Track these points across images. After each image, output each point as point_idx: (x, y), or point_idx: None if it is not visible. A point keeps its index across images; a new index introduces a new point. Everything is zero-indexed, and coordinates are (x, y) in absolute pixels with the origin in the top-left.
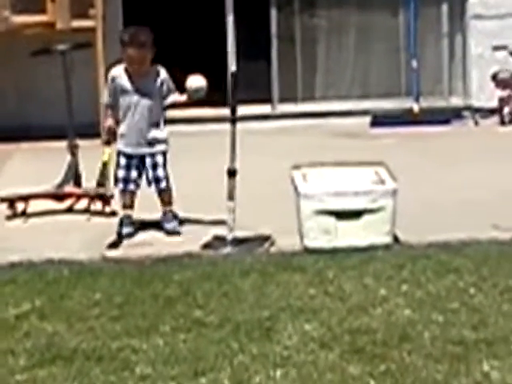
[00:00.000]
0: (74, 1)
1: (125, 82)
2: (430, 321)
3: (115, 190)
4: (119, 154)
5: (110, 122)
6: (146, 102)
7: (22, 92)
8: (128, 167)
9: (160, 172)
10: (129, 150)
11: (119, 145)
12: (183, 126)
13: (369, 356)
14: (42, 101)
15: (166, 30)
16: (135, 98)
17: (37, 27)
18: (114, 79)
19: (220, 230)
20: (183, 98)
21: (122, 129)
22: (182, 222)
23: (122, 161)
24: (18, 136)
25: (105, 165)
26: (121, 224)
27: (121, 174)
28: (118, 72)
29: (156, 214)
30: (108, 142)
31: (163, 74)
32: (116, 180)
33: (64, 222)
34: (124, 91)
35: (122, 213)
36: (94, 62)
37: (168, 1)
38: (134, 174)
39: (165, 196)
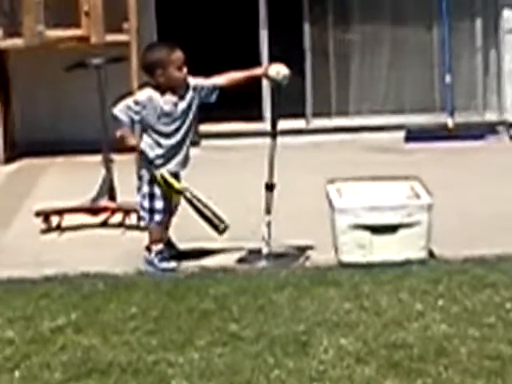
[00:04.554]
0: (108, 15)
1: None
2: (467, 336)
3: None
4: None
5: None
6: None
7: (57, 106)
8: None
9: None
10: None
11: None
12: (217, 140)
13: (405, 371)
14: (77, 115)
15: (200, 46)
16: None
17: (71, 41)
18: None
19: (256, 244)
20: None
21: None
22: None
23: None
24: (52, 150)
25: None
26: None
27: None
28: None
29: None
30: None
31: None
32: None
33: (99, 236)
34: None
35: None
36: (128, 75)
37: (202, 15)
38: None
39: None
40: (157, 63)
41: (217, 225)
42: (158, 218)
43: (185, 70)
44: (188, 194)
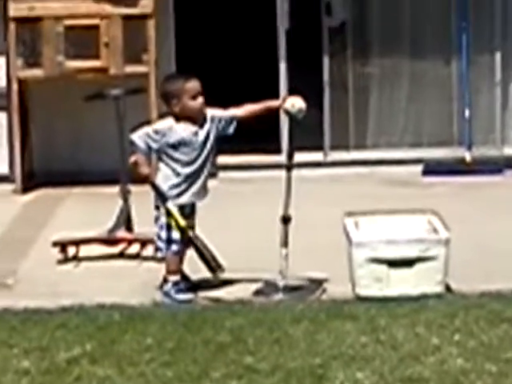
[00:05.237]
0: (127, 46)
1: None
2: (483, 371)
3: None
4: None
5: None
6: None
7: (75, 136)
8: None
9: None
10: None
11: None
12: (235, 172)
13: None
14: (95, 145)
15: (219, 78)
16: None
17: (90, 72)
18: None
19: (272, 277)
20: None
21: None
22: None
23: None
24: (70, 180)
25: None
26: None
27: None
28: None
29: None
30: None
31: None
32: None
33: (115, 266)
34: None
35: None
36: (146, 107)
37: (221, 47)
38: None
39: None
40: (172, 93)
41: (213, 267)
42: (174, 248)
43: (200, 99)
44: (190, 233)
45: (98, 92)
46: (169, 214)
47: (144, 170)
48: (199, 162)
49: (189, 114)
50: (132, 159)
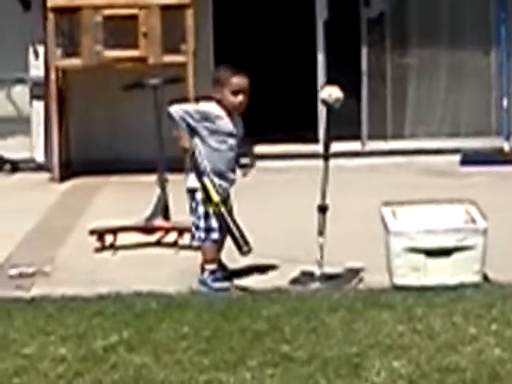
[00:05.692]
0: (165, 36)
1: None
2: None
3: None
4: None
5: None
6: None
7: (113, 125)
8: None
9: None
10: None
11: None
12: (272, 161)
13: None
14: (133, 134)
15: (257, 68)
16: None
17: (129, 62)
18: None
19: (308, 266)
20: None
21: None
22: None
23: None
24: (108, 169)
25: None
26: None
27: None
28: None
29: None
30: None
31: None
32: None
33: (152, 255)
34: None
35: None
36: (184, 96)
37: (259, 37)
38: None
39: None
40: (216, 80)
41: (241, 245)
42: (214, 236)
43: (240, 97)
44: (222, 209)
45: (137, 81)
46: (204, 188)
47: (186, 143)
48: (230, 153)
49: (225, 106)
50: (174, 133)
